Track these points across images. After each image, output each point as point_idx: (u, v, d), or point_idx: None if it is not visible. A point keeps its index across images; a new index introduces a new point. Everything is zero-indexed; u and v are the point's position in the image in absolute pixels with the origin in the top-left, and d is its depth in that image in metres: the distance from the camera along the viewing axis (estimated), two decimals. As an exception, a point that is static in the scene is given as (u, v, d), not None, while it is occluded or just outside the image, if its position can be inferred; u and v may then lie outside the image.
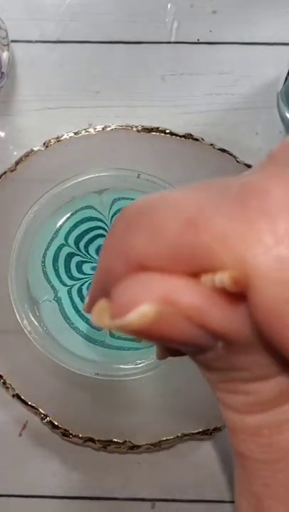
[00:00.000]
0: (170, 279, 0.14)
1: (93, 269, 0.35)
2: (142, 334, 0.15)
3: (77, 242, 0.36)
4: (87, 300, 0.19)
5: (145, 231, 0.15)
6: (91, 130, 0.37)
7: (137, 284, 0.15)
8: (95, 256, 0.36)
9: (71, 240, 0.36)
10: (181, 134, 0.37)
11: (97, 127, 0.37)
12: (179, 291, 0.14)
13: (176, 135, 0.37)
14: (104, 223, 0.36)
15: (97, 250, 0.36)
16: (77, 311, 0.35)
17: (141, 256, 0.15)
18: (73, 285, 0.35)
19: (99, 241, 0.36)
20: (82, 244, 0.36)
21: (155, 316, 0.14)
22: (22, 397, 0.34)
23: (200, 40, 0.39)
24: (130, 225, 0.15)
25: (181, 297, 0.14)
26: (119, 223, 0.16)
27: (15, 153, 0.38)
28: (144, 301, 0.14)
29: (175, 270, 0.14)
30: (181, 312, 0.14)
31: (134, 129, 0.37)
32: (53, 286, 0.35)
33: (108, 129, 0.37)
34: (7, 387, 0.34)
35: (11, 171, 0.36)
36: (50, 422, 0.34)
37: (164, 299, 0.14)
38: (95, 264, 0.35)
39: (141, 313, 0.14)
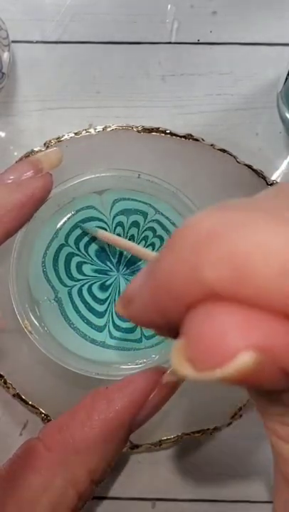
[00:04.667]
0: (262, 318, 0.12)
1: (93, 271, 0.35)
2: (231, 383, 0.13)
3: (77, 243, 0.36)
4: (121, 300, 0.17)
5: (226, 265, 0.13)
6: (91, 130, 0.37)
7: (222, 322, 0.13)
8: (94, 257, 0.36)
9: (71, 240, 0.36)
10: (181, 135, 0.37)
11: (97, 127, 0.37)
12: (278, 336, 0.12)
13: (177, 135, 0.37)
14: (106, 223, 0.36)
15: (97, 251, 0.36)
16: (77, 311, 0.35)
17: (219, 289, 0.13)
18: (73, 286, 0.35)
19: (99, 241, 0.36)
20: (82, 245, 0.36)
21: (254, 366, 0.12)
22: (22, 396, 0.34)
23: (200, 41, 0.39)
24: (205, 249, 0.13)
25: (282, 343, 0.12)
26: (188, 237, 0.14)
27: (15, 153, 0.38)
28: (240, 348, 0.12)
29: (263, 307, 0.12)
30: (281, 360, 0.12)
31: (135, 129, 0.37)
32: (53, 287, 0.35)
33: (108, 129, 0.37)
34: (7, 387, 0.34)
35: (12, 171, 0.36)
36: (51, 422, 0.34)
37: (263, 345, 0.12)
38: (95, 267, 0.35)
39: (240, 364, 0.12)
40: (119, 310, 0.17)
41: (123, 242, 0.34)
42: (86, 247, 0.36)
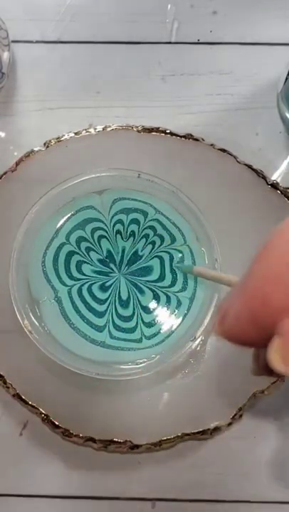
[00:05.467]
0: None
1: (93, 271, 0.35)
2: None
3: (78, 242, 0.36)
4: (217, 319, 0.18)
5: None
6: (91, 130, 0.37)
7: None
8: (93, 258, 0.36)
9: (72, 239, 0.36)
10: (181, 134, 0.37)
11: (97, 127, 0.37)
12: None
13: (177, 135, 0.37)
14: (104, 223, 0.36)
15: (100, 259, 0.36)
16: (77, 311, 0.35)
17: None
18: (73, 285, 0.35)
19: (101, 243, 0.36)
20: (83, 246, 0.36)
21: None
22: (22, 396, 0.34)
23: (200, 41, 0.39)
24: None
25: None
26: (281, 247, 0.16)
27: (15, 153, 0.38)
28: None
29: None
30: None
31: (135, 129, 0.37)
32: (53, 287, 0.35)
33: (108, 129, 0.37)
34: (7, 387, 0.34)
35: (12, 171, 0.36)
36: (51, 422, 0.34)
37: None
38: (94, 268, 0.35)
39: None
40: (216, 327, 0.18)
41: (224, 276, 0.32)
42: (87, 247, 0.36)
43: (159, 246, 0.36)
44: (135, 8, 0.40)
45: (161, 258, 0.36)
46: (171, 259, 0.36)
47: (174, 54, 0.39)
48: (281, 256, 0.15)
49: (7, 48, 0.37)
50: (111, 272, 0.35)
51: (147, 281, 0.35)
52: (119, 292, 0.35)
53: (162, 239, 0.36)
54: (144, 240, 0.36)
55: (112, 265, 0.36)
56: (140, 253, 0.36)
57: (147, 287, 0.35)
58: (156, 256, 0.36)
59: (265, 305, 0.15)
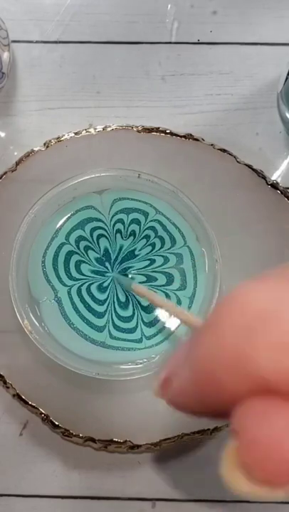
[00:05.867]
0: None
1: (91, 271, 0.35)
2: None
3: (77, 242, 0.36)
4: (158, 383, 0.15)
5: (280, 352, 0.11)
6: (91, 130, 0.37)
7: (283, 427, 0.11)
8: (91, 257, 0.36)
9: (72, 239, 0.36)
10: (181, 134, 0.37)
11: (97, 127, 0.37)
12: None
13: (177, 135, 0.37)
14: (105, 223, 0.36)
15: (97, 258, 0.36)
16: (77, 311, 0.35)
17: (276, 383, 0.11)
18: (73, 285, 0.35)
19: (100, 242, 0.36)
20: (82, 245, 0.36)
21: None
22: (22, 396, 0.34)
23: (200, 41, 0.39)
24: (258, 334, 0.12)
25: None
26: (235, 320, 0.12)
27: (15, 153, 0.38)
28: None
29: None
30: None
31: (135, 129, 0.37)
32: (53, 287, 0.35)
33: (108, 129, 0.37)
34: (7, 387, 0.34)
35: (12, 171, 0.36)
36: (51, 422, 0.34)
37: None
38: (92, 267, 0.35)
39: None
40: (156, 391, 0.16)
41: (159, 299, 0.32)
42: (86, 247, 0.36)
43: (159, 249, 0.36)
44: (135, 8, 0.40)
45: (152, 261, 0.36)
46: (166, 261, 0.36)
47: (174, 54, 0.39)
48: (236, 328, 0.12)
49: (7, 48, 0.37)
50: (106, 272, 0.35)
51: (139, 282, 0.35)
52: (117, 294, 0.35)
53: (163, 241, 0.36)
54: (144, 240, 0.36)
55: (107, 264, 0.35)
56: (136, 252, 0.36)
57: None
58: (148, 259, 0.36)
59: (216, 389, 0.12)
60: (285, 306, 0.11)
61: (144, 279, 0.35)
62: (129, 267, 0.35)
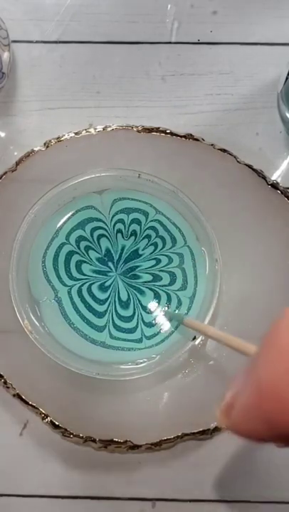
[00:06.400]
0: None
1: (92, 271, 0.35)
2: None
3: (78, 242, 0.36)
4: (220, 410, 0.16)
5: None
6: (91, 130, 0.37)
7: None
8: (92, 257, 0.36)
9: (72, 239, 0.36)
10: (181, 134, 0.37)
11: (97, 127, 0.37)
12: None
13: (177, 135, 0.37)
14: (105, 223, 0.36)
15: (98, 258, 0.36)
16: (77, 311, 0.35)
17: None
18: (73, 285, 0.35)
19: (100, 242, 0.36)
20: (82, 245, 0.36)
21: None
22: (23, 396, 0.34)
23: (200, 41, 0.39)
24: None
25: None
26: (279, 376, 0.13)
27: (15, 153, 0.38)
28: None
29: None
30: None
31: (135, 129, 0.37)
32: (53, 287, 0.35)
33: (108, 129, 0.37)
34: (8, 387, 0.34)
35: (12, 171, 0.36)
36: (51, 422, 0.34)
37: None
38: (93, 267, 0.35)
39: None
40: (219, 419, 0.16)
41: (212, 331, 0.31)
42: (86, 247, 0.36)
43: (161, 249, 0.36)
44: (135, 8, 0.40)
45: (158, 260, 0.36)
46: (171, 261, 0.36)
47: (174, 54, 0.39)
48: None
49: (7, 48, 0.37)
50: (109, 271, 0.35)
51: (144, 282, 0.35)
52: (119, 293, 0.35)
53: (164, 241, 0.36)
54: (146, 240, 0.36)
55: (110, 263, 0.36)
56: (140, 252, 0.36)
57: (147, 287, 0.35)
58: (154, 258, 0.36)
59: (285, 410, 0.13)
60: None
61: (151, 277, 0.35)
62: (136, 267, 0.36)
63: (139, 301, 0.35)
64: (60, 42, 0.39)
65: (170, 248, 0.36)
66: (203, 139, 0.37)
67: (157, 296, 0.35)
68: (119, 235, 0.36)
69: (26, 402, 0.34)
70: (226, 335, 0.29)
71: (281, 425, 0.13)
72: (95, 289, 0.35)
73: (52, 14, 0.40)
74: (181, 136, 0.37)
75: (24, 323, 0.34)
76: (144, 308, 0.35)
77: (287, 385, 0.12)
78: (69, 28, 0.39)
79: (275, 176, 0.38)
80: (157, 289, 0.35)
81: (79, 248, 0.36)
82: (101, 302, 0.35)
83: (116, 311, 0.35)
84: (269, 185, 0.36)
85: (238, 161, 0.36)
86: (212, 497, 0.35)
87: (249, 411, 0.14)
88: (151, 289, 0.35)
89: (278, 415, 0.13)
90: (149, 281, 0.35)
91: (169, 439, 0.33)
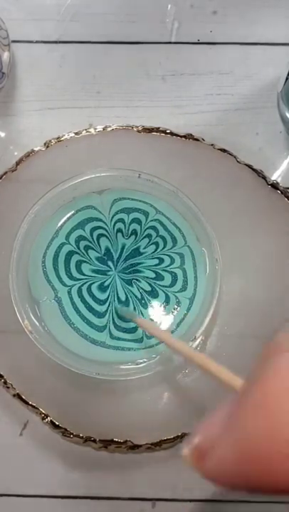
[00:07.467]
0: None
1: (92, 271, 0.35)
2: None
3: (77, 241, 0.36)
4: (190, 452, 0.15)
5: None
6: (91, 130, 0.37)
7: None
8: (92, 257, 0.36)
9: (72, 239, 0.36)
10: (181, 134, 0.37)
11: (97, 127, 0.37)
12: None
13: (177, 135, 0.37)
14: (105, 223, 0.36)
15: (98, 257, 0.36)
16: (77, 311, 0.35)
17: None
18: (73, 285, 0.35)
19: (100, 242, 0.36)
20: (82, 245, 0.36)
21: None
22: (23, 396, 0.34)
23: (200, 41, 0.39)
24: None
25: None
26: (285, 399, 0.11)
27: (15, 153, 0.38)
28: None
29: None
30: None
31: (135, 129, 0.37)
32: (53, 287, 0.35)
33: (109, 129, 0.37)
34: (8, 387, 0.34)
35: (12, 171, 0.36)
36: (51, 422, 0.34)
37: None
38: (93, 267, 0.35)
39: None
40: (187, 461, 0.15)
41: (159, 332, 0.32)
42: (86, 247, 0.36)
43: (162, 248, 0.36)
44: (135, 8, 0.40)
45: (161, 260, 0.36)
46: (173, 261, 0.36)
47: (174, 54, 0.39)
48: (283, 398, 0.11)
49: (7, 48, 0.37)
50: (108, 270, 0.35)
51: (145, 276, 0.35)
52: (117, 293, 0.35)
53: (165, 241, 0.36)
54: (146, 239, 0.36)
55: (109, 262, 0.36)
56: (142, 250, 0.36)
57: (146, 283, 0.35)
58: (157, 257, 0.36)
59: (268, 473, 0.12)
60: None
61: (154, 275, 0.35)
62: (138, 263, 0.35)
63: (139, 300, 0.35)
64: (60, 42, 0.39)
65: (171, 248, 0.36)
66: (203, 139, 0.37)
67: (155, 295, 0.35)
68: (119, 234, 0.36)
69: (26, 402, 0.34)
70: (182, 344, 0.28)
71: (262, 485, 0.12)
72: (94, 289, 0.35)
73: (52, 14, 0.40)
74: (181, 136, 0.37)
75: (24, 323, 0.34)
76: (145, 307, 0.35)
77: (272, 447, 0.11)
78: (69, 28, 0.39)
79: (275, 176, 0.38)
80: (158, 289, 0.35)
81: (79, 248, 0.36)
82: (101, 302, 0.35)
83: (116, 311, 0.35)
84: (269, 185, 0.36)
85: (238, 161, 0.36)
86: (212, 497, 0.35)
87: (226, 466, 0.13)
88: (152, 288, 0.35)
89: (260, 477, 0.12)
90: (152, 279, 0.35)
91: (169, 439, 0.33)
